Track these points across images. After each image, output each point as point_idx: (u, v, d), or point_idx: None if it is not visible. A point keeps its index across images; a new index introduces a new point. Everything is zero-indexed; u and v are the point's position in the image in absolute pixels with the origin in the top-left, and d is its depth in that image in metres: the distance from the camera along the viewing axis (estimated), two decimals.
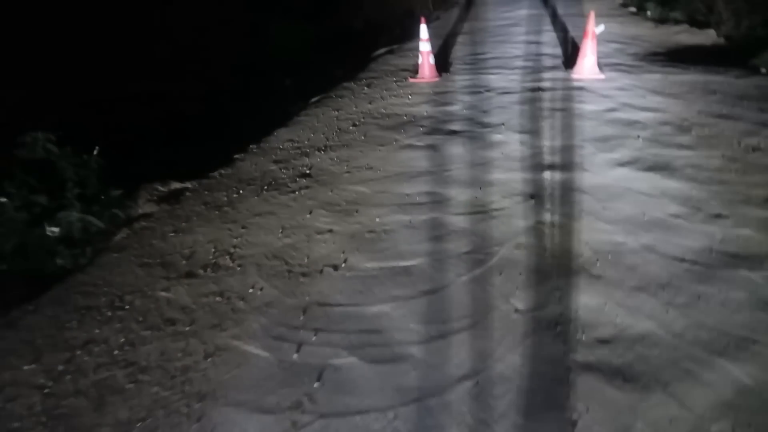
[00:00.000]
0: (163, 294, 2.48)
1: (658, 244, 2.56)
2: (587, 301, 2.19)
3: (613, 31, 7.78)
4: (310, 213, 3.15)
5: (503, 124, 4.36)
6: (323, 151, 4.18)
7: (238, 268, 2.64)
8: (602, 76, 5.51)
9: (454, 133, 4.29)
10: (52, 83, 5.44)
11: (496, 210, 3.00)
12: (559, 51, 6.96)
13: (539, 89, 5.27)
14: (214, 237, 2.98)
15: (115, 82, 6.08)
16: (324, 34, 11.07)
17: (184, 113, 5.82)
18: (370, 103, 5.45)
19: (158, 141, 4.95)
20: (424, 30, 5.96)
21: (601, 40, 5.87)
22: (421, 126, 4.54)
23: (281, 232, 2.96)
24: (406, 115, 4.89)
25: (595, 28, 5.51)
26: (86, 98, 5.50)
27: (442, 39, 8.61)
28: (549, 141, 3.93)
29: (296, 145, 4.41)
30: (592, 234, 2.68)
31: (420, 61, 6.15)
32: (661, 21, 8.52)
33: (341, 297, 2.35)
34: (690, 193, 3.03)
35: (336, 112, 5.25)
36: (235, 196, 3.51)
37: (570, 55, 6.56)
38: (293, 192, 3.46)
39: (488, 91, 5.41)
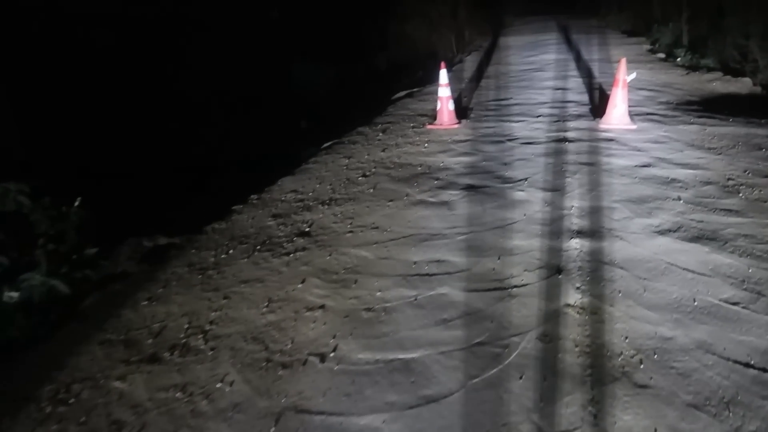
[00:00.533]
0: (117, 384, 2.09)
1: (715, 341, 2.10)
2: (631, 422, 1.73)
3: (643, 77, 7.42)
4: (303, 282, 2.76)
5: (526, 180, 3.95)
6: (327, 205, 3.82)
7: (210, 353, 2.24)
8: (633, 126, 5.11)
9: (471, 188, 3.90)
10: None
11: (516, 287, 2.56)
12: (585, 98, 6.60)
13: (565, 140, 4.88)
14: (191, 309, 2.59)
15: (122, 126, 5.92)
16: (347, 74, 11.00)
17: (192, 158, 5.60)
18: (383, 150, 5.12)
19: (159, 189, 4.71)
20: (443, 75, 5.67)
21: (630, 87, 5.50)
22: (436, 179, 4.16)
23: (266, 306, 2.56)
24: (420, 166, 4.54)
25: (626, 75, 5.16)
26: (89, 143, 5.32)
27: (464, 83, 8.36)
28: (577, 201, 3.51)
29: (299, 196, 4.06)
30: (632, 324, 2.23)
31: (438, 106, 5.84)
32: (691, 68, 8.17)
33: (324, 401, 1.92)
34: (747, 272, 2.57)
35: (346, 160, 4.93)
36: (223, 256, 3.15)
37: (598, 102, 6.20)
38: (288, 254, 3.08)
39: (510, 140, 5.04)
